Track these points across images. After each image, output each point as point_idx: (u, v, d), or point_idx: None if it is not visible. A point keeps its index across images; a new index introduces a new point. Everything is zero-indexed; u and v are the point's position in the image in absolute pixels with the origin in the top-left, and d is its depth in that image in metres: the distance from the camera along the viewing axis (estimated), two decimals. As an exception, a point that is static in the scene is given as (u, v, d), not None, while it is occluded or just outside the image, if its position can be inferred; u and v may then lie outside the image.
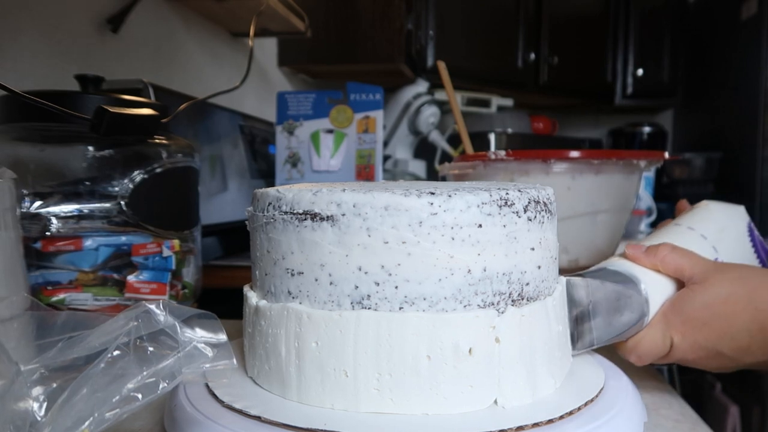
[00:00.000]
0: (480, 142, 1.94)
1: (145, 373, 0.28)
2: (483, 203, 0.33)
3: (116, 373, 0.28)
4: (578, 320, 0.41)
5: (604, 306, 0.41)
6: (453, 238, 0.32)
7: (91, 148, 0.51)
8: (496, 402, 0.33)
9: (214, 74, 1.27)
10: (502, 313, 0.33)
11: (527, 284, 0.35)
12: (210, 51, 1.27)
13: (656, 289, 0.42)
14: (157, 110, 0.53)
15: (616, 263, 0.44)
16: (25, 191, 0.49)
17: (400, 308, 0.32)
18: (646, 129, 2.48)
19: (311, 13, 1.26)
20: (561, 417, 0.32)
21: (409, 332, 0.32)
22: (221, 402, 0.34)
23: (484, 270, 0.33)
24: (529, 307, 0.34)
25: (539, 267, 0.36)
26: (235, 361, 0.30)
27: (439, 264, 0.32)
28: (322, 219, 0.33)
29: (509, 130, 2.02)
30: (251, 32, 0.86)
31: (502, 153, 0.60)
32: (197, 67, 1.21)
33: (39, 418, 0.26)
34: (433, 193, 0.32)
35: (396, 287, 0.32)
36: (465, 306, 0.33)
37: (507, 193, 0.34)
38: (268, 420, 0.31)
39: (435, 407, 0.32)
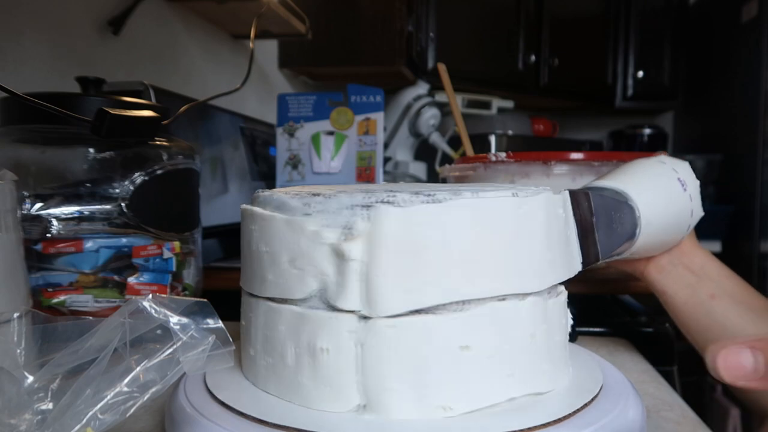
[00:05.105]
0: (480, 143, 1.94)
1: (145, 368, 0.28)
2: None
3: (117, 372, 0.28)
4: (584, 234, 0.39)
5: (604, 219, 0.41)
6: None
7: (91, 150, 0.51)
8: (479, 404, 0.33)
9: (214, 76, 1.27)
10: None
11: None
12: (211, 53, 1.27)
13: (643, 201, 0.44)
14: (157, 112, 0.53)
15: (601, 182, 0.45)
16: (25, 193, 0.49)
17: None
18: (647, 131, 2.49)
19: (312, 15, 1.26)
20: (559, 420, 0.31)
21: (442, 332, 0.32)
22: (222, 404, 0.34)
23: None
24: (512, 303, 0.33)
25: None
26: (234, 345, 0.30)
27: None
28: None
29: (510, 132, 2.02)
30: (252, 34, 0.86)
31: (503, 155, 0.60)
32: (198, 69, 1.21)
33: (42, 422, 0.26)
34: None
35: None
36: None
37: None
38: (269, 423, 0.31)
39: (453, 404, 0.32)
